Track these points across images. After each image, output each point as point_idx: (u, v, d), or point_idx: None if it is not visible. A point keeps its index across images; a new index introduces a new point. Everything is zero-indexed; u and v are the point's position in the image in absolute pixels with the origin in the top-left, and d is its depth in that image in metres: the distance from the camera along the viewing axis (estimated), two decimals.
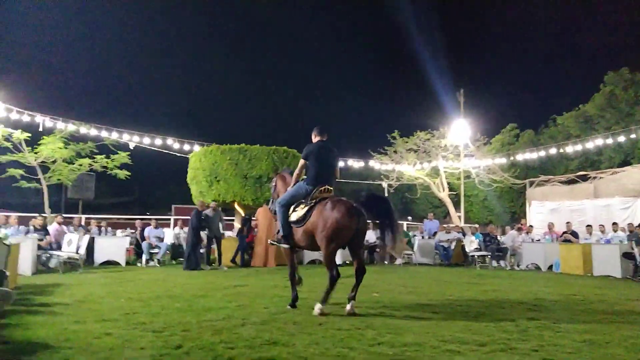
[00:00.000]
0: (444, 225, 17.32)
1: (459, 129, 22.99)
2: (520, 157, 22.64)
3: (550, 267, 12.86)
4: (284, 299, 6.48)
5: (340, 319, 5.12)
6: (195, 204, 15.01)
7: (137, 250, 13.82)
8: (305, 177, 6.12)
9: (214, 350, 3.76)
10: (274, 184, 6.83)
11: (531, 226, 15.73)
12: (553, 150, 21.36)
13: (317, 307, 5.48)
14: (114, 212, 24.86)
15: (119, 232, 14.38)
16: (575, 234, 13.44)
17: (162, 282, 8.79)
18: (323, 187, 5.90)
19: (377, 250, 14.85)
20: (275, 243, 6.40)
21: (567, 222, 14.14)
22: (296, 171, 6.25)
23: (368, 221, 5.74)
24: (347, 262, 13.66)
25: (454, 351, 3.81)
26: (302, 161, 6.14)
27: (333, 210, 5.49)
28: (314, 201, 5.80)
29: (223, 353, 3.66)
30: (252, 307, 5.96)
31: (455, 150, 23.33)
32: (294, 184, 6.15)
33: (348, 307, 5.52)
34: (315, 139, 6.23)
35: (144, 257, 13.08)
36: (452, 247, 14.85)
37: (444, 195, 23.83)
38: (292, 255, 6.28)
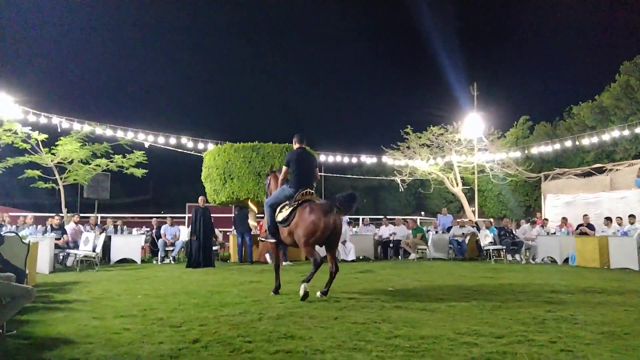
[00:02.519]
0: (458, 220, 17.24)
1: (473, 123, 22.84)
2: (534, 150, 22.41)
3: (566, 260, 12.74)
4: (299, 294, 6.50)
5: (355, 313, 5.12)
6: (209, 201, 15.15)
7: (152, 248, 13.96)
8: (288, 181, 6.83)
9: (231, 344, 3.79)
10: (268, 181, 7.54)
11: (546, 219, 15.58)
12: (568, 143, 21.11)
13: (302, 286, 6.13)
14: (129, 211, 25.12)
15: (134, 230, 14.50)
16: (591, 227, 13.30)
17: (178, 279, 8.87)
18: (305, 190, 6.57)
19: (391, 245, 14.88)
20: (264, 239, 7.32)
21: (585, 215, 13.97)
22: (280, 176, 7.03)
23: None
24: (360, 257, 13.65)
25: (471, 343, 3.80)
26: (284, 167, 6.85)
27: (310, 213, 6.18)
28: (296, 203, 6.46)
29: (241, 347, 3.69)
30: (268, 302, 6.00)
31: (469, 144, 23.20)
32: (279, 187, 6.92)
33: (318, 293, 6.35)
34: (295, 145, 6.94)
35: (159, 255, 13.20)
36: (467, 241, 14.80)
37: (458, 190, 23.72)
38: (278, 250, 7.17)
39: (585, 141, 21.09)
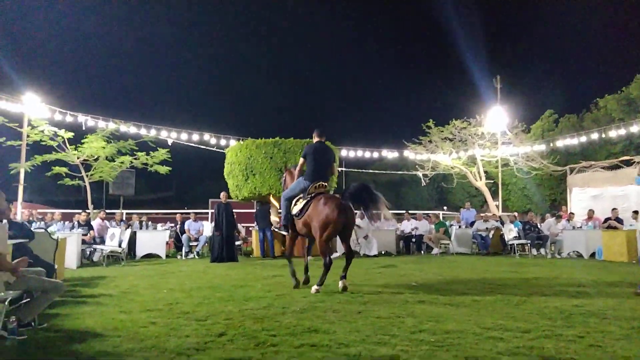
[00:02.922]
0: (482, 214, 17.05)
1: (496, 117, 22.52)
2: (560, 143, 22.00)
3: (593, 255, 12.50)
4: (322, 288, 6.53)
5: (379, 308, 5.12)
6: (232, 197, 15.26)
7: (176, 243, 14.14)
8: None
9: (256, 337, 3.82)
10: (284, 178, 7.68)
11: (572, 213, 15.30)
12: (595, 135, 20.66)
13: (314, 287, 6.37)
14: (153, 207, 25.46)
15: (159, 226, 14.71)
16: (619, 220, 13.02)
17: (202, 274, 8.97)
18: (318, 183, 6.74)
19: (413, 240, 14.80)
20: (277, 230, 7.77)
21: (614, 209, 13.65)
22: (297, 168, 7.21)
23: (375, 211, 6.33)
24: (382, 252, 13.61)
25: (497, 338, 3.76)
26: (301, 159, 7.03)
27: (325, 205, 6.32)
28: (310, 195, 6.64)
29: (265, 340, 3.72)
30: (291, 296, 6.03)
31: (492, 138, 22.88)
32: (296, 179, 7.08)
33: (340, 283, 6.47)
34: (315, 139, 7.11)
35: (183, 250, 13.36)
36: (490, 236, 14.63)
37: (481, 184, 23.44)
38: (292, 242, 7.33)
39: (612, 133, 20.60)
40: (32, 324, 4.29)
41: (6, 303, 4.02)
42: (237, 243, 13.01)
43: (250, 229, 15.76)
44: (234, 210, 12.63)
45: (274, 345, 3.59)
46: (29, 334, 4.05)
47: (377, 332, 3.98)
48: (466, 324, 4.25)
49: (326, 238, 6.35)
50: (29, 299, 4.33)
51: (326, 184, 6.88)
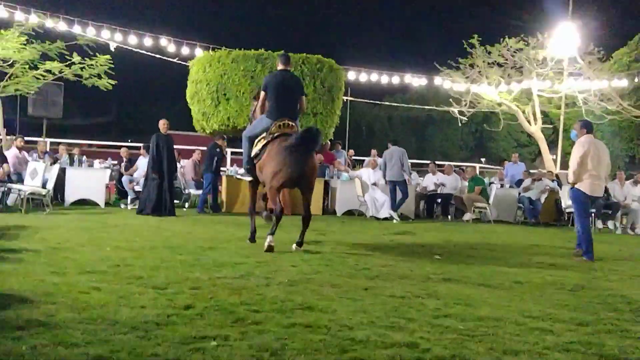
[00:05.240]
0: (533, 171, 17.25)
1: (565, 37, 22.34)
2: None
3: None
4: (317, 256, 6.76)
5: (392, 285, 5.35)
6: (197, 128, 15.32)
7: (120, 187, 14.32)
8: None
9: (233, 312, 4.03)
10: (253, 108, 8.37)
11: None
12: None
13: (267, 239, 7.16)
14: (87, 137, 25.56)
15: (96, 162, 14.77)
16: None
17: (157, 230, 9.22)
18: (282, 122, 7.42)
19: (438, 200, 15.06)
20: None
21: None
22: (258, 103, 7.96)
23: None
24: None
25: (545, 330, 3.99)
26: (262, 93, 7.74)
27: (278, 150, 7.10)
28: (271, 136, 7.38)
29: (245, 316, 3.93)
30: (277, 264, 6.27)
31: (557, 66, 22.78)
32: (259, 117, 7.87)
33: (293, 246, 7.42)
34: (278, 67, 7.88)
35: (129, 197, 13.57)
36: (542, 200, 14.85)
37: (536, 129, 23.55)
38: (254, 189, 8.30)
39: None
40: None
41: None
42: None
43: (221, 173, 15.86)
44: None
45: (257, 323, 3.80)
46: None
47: (390, 314, 4.21)
48: (505, 311, 4.48)
49: (278, 186, 7.22)
50: None
51: (293, 123, 7.53)
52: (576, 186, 8.01)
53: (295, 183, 7.43)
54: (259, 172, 7.63)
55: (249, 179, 8.11)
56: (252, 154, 7.69)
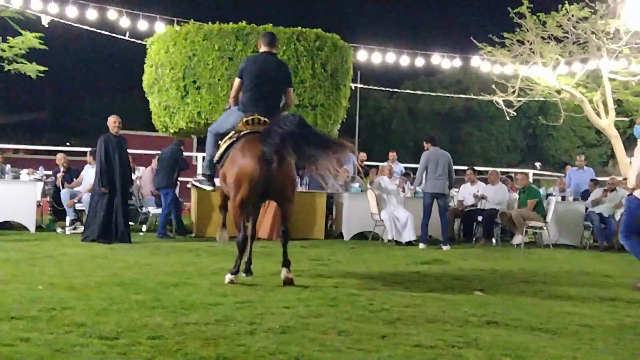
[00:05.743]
0: (604, 179, 17.20)
1: None
2: None
3: None
4: (317, 294, 6.73)
5: (418, 331, 5.30)
6: (157, 127, 15.32)
7: (55, 206, 14.26)
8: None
9: None
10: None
11: None
12: None
13: (227, 276, 7.40)
14: (13, 140, 25.59)
15: (24, 173, 14.72)
16: None
17: (105, 261, 9.19)
18: (253, 117, 7.53)
19: (479, 219, 15.02)
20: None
21: None
22: (231, 93, 8.17)
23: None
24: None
25: None
26: (236, 80, 7.92)
27: (242, 153, 7.24)
28: (237, 134, 7.56)
29: None
30: (264, 304, 6.24)
31: (635, 40, 22.73)
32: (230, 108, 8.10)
33: (282, 274, 7.41)
34: (260, 49, 8.04)
35: (68, 218, 13.52)
36: (617, 217, 14.81)
37: (608, 123, 23.44)
38: (223, 202, 8.24)
39: None
40: None
41: None
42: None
43: (188, 186, 15.85)
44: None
45: None
46: None
47: None
48: None
49: (240, 201, 7.26)
50: None
51: (266, 119, 7.46)
52: (636, 193, 7.95)
53: (264, 194, 7.48)
54: (222, 182, 7.78)
55: (209, 188, 8.39)
56: (216, 156, 7.81)
